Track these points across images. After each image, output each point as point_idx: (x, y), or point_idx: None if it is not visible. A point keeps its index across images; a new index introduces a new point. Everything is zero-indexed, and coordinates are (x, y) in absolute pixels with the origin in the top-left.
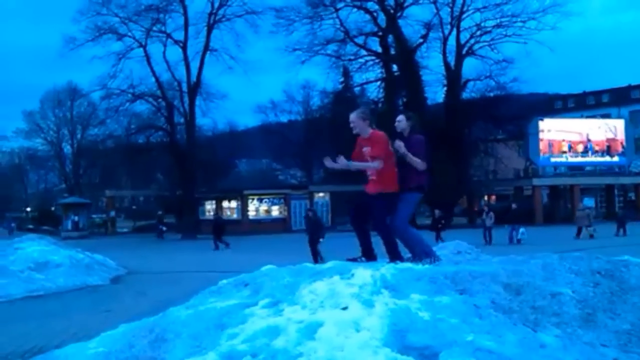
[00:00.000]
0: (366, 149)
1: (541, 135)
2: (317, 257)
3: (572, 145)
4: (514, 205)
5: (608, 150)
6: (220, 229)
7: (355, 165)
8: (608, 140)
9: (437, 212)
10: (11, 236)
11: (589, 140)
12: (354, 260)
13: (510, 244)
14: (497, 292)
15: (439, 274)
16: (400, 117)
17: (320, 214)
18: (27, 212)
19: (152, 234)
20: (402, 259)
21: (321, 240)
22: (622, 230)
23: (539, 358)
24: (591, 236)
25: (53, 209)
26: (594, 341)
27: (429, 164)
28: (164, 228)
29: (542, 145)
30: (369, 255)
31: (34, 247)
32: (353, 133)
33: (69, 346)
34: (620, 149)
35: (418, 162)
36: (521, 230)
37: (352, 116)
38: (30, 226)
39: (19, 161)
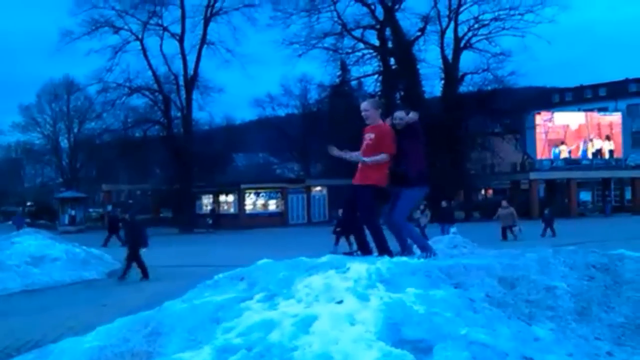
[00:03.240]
0: (369, 136)
1: (538, 129)
2: (144, 270)
3: (570, 139)
4: (443, 203)
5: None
6: (117, 225)
7: (364, 160)
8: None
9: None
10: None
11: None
12: (349, 254)
13: None
14: (491, 286)
15: (434, 267)
16: (401, 114)
17: (317, 207)
18: (27, 206)
19: (149, 228)
20: (390, 253)
21: (143, 249)
22: (550, 230)
23: (533, 351)
24: (515, 237)
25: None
26: (588, 335)
27: (423, 156)
28: (210, 221)
29: (539, 139)
30: (364, 249)
31: (30, 241)
32: (366, 122)
33: (65, 340)
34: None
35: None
36: (452, 229)
37: (366, 104)
38: (27, 220)
39: (16, 155)
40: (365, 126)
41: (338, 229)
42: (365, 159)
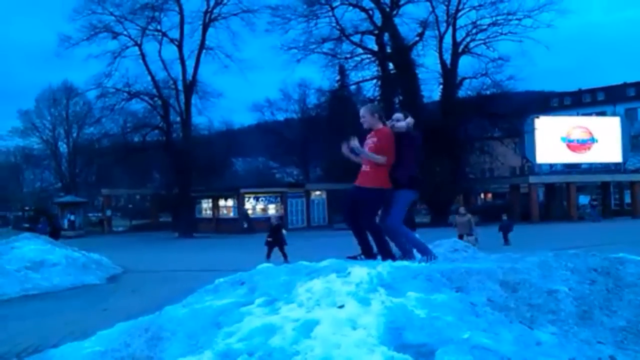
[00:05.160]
0: (370, 141)
1: (537, 133)
2: None
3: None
4: None
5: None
6: (57, 233)
7: (364, 152)
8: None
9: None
10: None
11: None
12: (353, 258)
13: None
14: (493, 290)
15: (435, 271)
16: (399, 116)
17: (316, 211)
18: (29, 210)
19: (148, 233)
20: (393, 257)
21: None
22: (503, 238)
23: (535, 355)
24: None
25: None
26: (590, 338)
27: (420, 161)
28: (245, 225)
29: (538, 143)
30: (368, 253)
31: (30, 246)
32: (364, 127)
33: (65, 345)
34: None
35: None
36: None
37: (362, 111)
38: (26, 225)
39: (15, 160)
40: (366, 132)
41: (269, 239)
42: (367, 152)
